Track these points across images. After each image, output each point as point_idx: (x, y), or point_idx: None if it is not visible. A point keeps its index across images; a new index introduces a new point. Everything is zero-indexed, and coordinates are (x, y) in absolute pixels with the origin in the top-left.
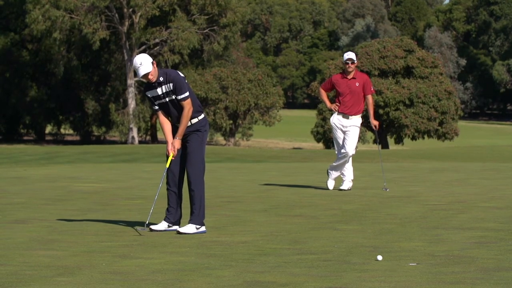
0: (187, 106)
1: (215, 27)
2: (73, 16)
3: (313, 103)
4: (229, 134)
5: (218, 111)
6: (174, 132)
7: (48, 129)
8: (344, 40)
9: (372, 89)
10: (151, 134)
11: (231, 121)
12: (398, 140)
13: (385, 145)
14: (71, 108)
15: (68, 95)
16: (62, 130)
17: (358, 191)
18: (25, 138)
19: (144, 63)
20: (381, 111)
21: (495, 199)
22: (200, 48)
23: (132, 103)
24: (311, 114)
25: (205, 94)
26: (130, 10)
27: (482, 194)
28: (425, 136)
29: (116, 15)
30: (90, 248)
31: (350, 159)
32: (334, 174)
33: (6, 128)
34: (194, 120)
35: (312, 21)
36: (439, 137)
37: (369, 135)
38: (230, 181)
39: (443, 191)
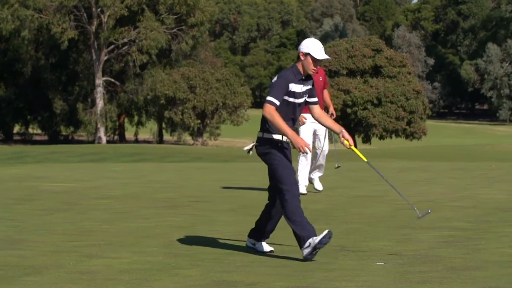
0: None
1: (183, 27)
2: (41, 15)
3: None
4: (197, 133)
5: (186, 110)
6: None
7: (16, 128)
8: None
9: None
10: (119, 134)
11: (199, 121)
12: (366, 140)
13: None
14: (39, 107)
15: (36, 94)
16: (30, 130)
17: (325, 191)
18: None
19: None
20: (349, 110)
21: (463, 198)
22: (168, 47)
23: (100, 103)
24: None
25: (173, 94)
26: (99, 9)
27: (450, 193)
28: (393, 136)
29: (85, 14)
30: (58, 247)
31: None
32: (317, 173)
33: None
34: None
35: (280, 21)
36: (407, 137)
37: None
38: (197, 180)
39: (411, 191)
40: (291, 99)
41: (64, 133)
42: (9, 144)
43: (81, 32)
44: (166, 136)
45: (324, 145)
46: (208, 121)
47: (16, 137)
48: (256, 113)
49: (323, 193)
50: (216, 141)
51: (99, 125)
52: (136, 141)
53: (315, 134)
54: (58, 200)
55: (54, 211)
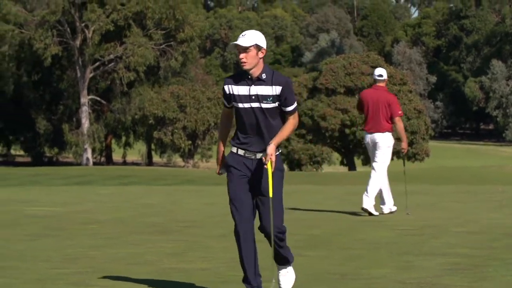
0: (296, 119)
1: (172, 43)
2: (23, 30)
3: None
4: (188, 155)
5: (176, 131)
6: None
7: None
8: (308, 56)
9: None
10: (106, 155)
11: (189, 142)
12: (366, 162)
13: (352, 167)
14: (22, 128)
15: (18, 114)
16: (12, 151)
17: (325, 215)
18: None
19: (248, 36)
20: (347, 131)
21: (468, 223)
22: (157, 64)
23: (86, 123)
24: None
25: (162, 113)
26: (83, 24)
27: (455, 218)
28: (394, 157)
29: (68, 29)
30: (42, 275)
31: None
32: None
33: None
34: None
35: (274, 36)
36: (409, 158)
37: (335, 156)
38: (188, 204)
39: (413, 215)
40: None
41: (48, 154)
42: None
43: (65, 48)
44: (156, 158)
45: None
46: (200, 142)
47: None
48: None
49: (322, 217)
50: (208, 163)
51: (86, 146)
52: (124, 163)
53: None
54: (42, 225)
55: (38, 236)
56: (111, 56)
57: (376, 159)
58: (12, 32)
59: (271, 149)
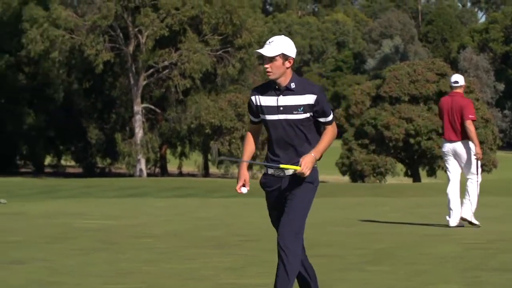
0: (335, 127)
1: (229, 49)
2: (73, 36)
3: (338, 131)
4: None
5: (234, 140)
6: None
7: (48, 160)
8: (371, 62)
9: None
10: (161, 166)
11: None
12: (431, 173)
13: (416, 178)
14: (73, 137)
15: (69, 123)
16: (62, 162)
17: (389, 228)
18: (22, 170)
19: (274, 44)
20: (412, 141)
21: None
22: (213, 71)
23: (139, 132)
24: (335, 144)
25: (219, 122)
26: (136, 29)
27: None
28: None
29: (121, 35)
30: None
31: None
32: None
33: (1, 159)
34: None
35: (335, 42)
36: (483, 167)
37: (399, 167)
38: (246, 217)
39: (481, 229)
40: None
41: (100, 165)
42: (40, 177)
43: (117, 54)
44: (212, 169)
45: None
46: (258, 152)
47: (48, 170)
48: None
49: (386, 231)
50: None
51: (139, 157)
52: (180, 174)
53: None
54: (94, 238)
55: (90, 250)
56: (166, 63)
57: (466, 169)
58: (63, 37)
59: (309, 158)
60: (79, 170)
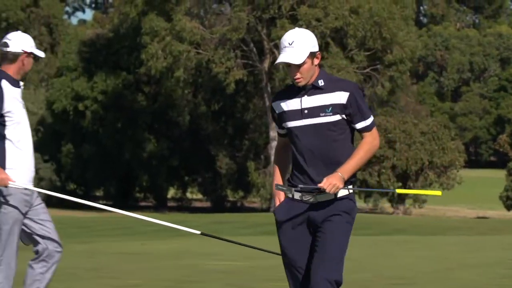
0: (374, 137)
1: (378, 66)
2: (200, 51)
3: (501, 160)
4: (398, 200)
5: (384, 170)
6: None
7: (171, 192)
8: None
9: None
10: None
11: (400, 184)
12: None
13: None
14: (200, 166)
15: (195, 150)
16: (188, 194)
17: None
18: (142, 203)
19: (298, 46)
20: None
21: None
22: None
23: None
24: (499, 174)
25: None
26: (272, 44)
27: None
28: None
29: (254, 50)
30: None
31: None
32: None
33: (118, 191)
34: (343, 192)
35: (499, 58)
36: None
37: None
38: (400, 258)
39: None
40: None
41: (231, 198)
42: (163, 211)
43: (250, 72)
44: (360, 203)
45: None
46: (412, 184)
47: (171, 203)
48: (471, 174)
49: None
50: (422, 209)
51: None
52: None
53: None
54: (224, 282)
55: None
56: None
57: None
58: (187, 53)
59: (333, 177)
60: (207, 204)
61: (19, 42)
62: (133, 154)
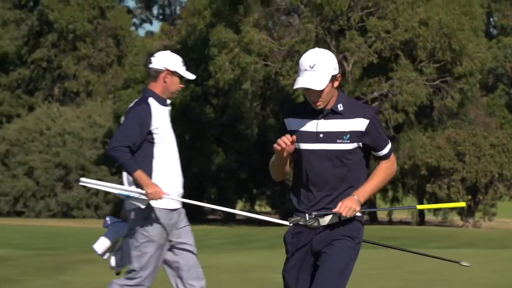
0: (392, 163)
1: (447, 78)
2: (268, 63)
3: None
4: (468, 212)
5: (453, 183)
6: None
7: (239, 205)
8: None
9: None
10: (369, 213)
11: (469, 196)
12: None
13: None
14: (268, 179)
15: (264, 163)
16: (256, 207)
17: None
18: (210, 217)
19: (319, 70)
20: None
21: None
22: (429, 104)
23: None
24: None
25: (437, 163)
26: (341, 56)
27: None
28: None
29: None
30: None
31: None
32: None
33: (188, 204)
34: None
35: None
36: None
37: None
38: (471, 271)
39: None
40: None
41: None
42: (231, 225)
43: None
44: (429, 216)
45: None
46: (481, 197)
47: (240, 217)
48: None
49: None
50: (492, 222)
51: None
52: (390, 221)
53: None
54: None
55: None
56: (375, 94)
57: None
58: (255, 65)
59: (351, 201)
60: (275, 217)
61: (163, 59)
62: (201, 167)
